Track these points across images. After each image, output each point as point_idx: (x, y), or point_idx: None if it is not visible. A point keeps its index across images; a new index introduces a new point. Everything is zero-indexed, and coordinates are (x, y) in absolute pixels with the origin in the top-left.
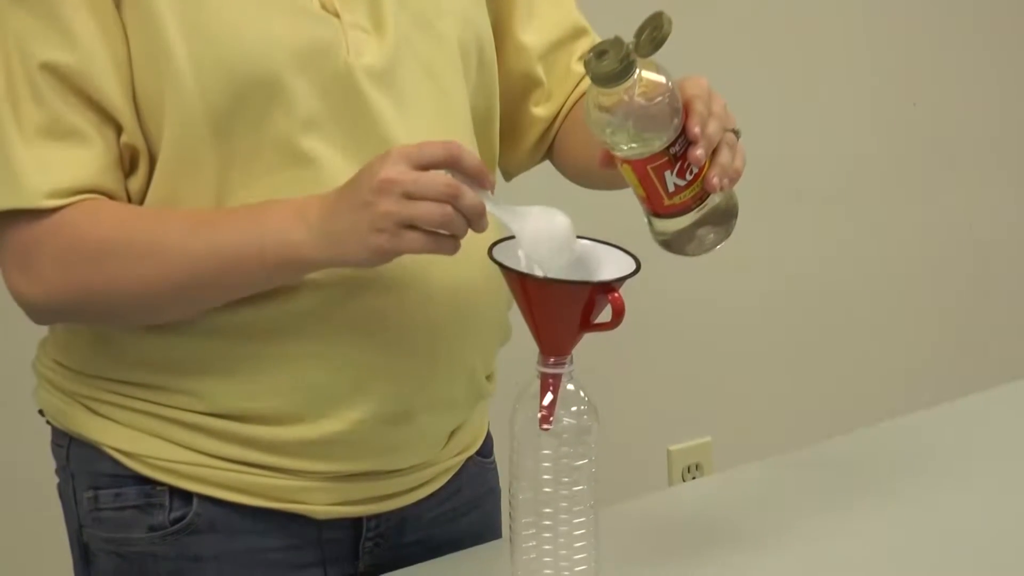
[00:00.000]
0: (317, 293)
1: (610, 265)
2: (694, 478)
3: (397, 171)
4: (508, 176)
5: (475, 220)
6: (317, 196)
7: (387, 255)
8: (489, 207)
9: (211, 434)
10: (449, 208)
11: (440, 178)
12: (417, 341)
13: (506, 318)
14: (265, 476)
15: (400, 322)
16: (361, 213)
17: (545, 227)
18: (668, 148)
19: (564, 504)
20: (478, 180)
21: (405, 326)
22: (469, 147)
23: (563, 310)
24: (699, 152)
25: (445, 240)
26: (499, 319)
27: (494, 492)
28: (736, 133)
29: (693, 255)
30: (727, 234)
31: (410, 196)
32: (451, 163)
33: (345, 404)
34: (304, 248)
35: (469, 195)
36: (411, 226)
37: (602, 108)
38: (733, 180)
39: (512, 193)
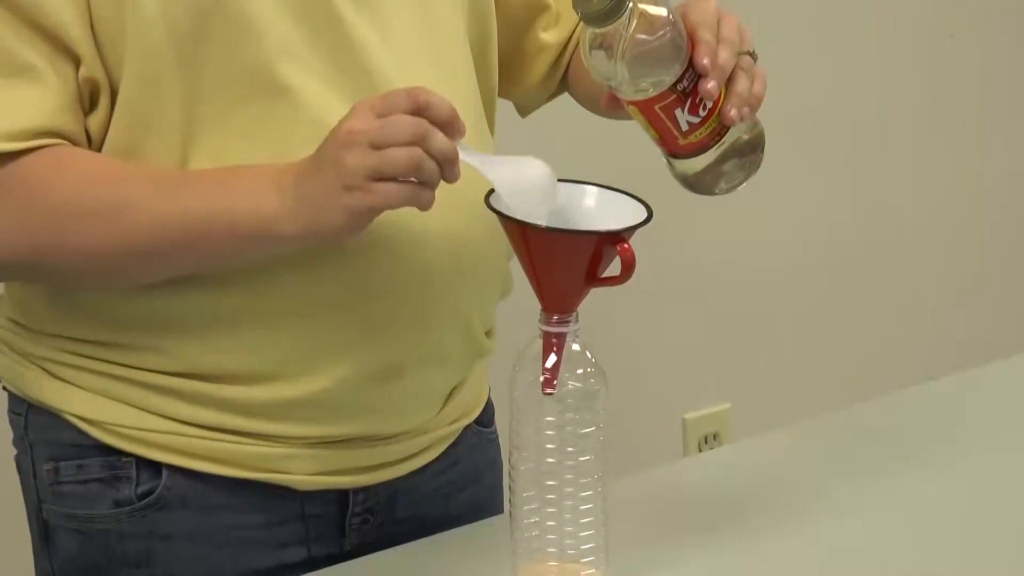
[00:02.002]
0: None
1: (619, 213)
2: (711, 448)
3: (361, 121)
4: (524, 112)
5: (447, 165)
6: (295, 163)
7: (363, 216)
8: (462, 154)
9: (182, 397)
10: (418, 150)
11: (405, 119)
12: (407, 290)
13: (506, 268)
14: (242, 443)
15: (388, 270)
16: (329, 173)
17: (521, 177)
18: (676, 85)
19: (569, 476)
20: (449, 127)
21: (394, 274)
22: (464, 77)
23: (567, 263)
24: (710, 85)
25: (420, 189)
26: (498, 269)
27: (495, 465)
28: (752, 56)
29: (722, 193)
30: (755, 167)
31: (376, 145)
32: (418, 110)
33: (328, 359)
34: (278, 222)
35: (438, 137)
36: (383, 178)
37: (598, 49)
38: (753, 108)
39: (527, 131)
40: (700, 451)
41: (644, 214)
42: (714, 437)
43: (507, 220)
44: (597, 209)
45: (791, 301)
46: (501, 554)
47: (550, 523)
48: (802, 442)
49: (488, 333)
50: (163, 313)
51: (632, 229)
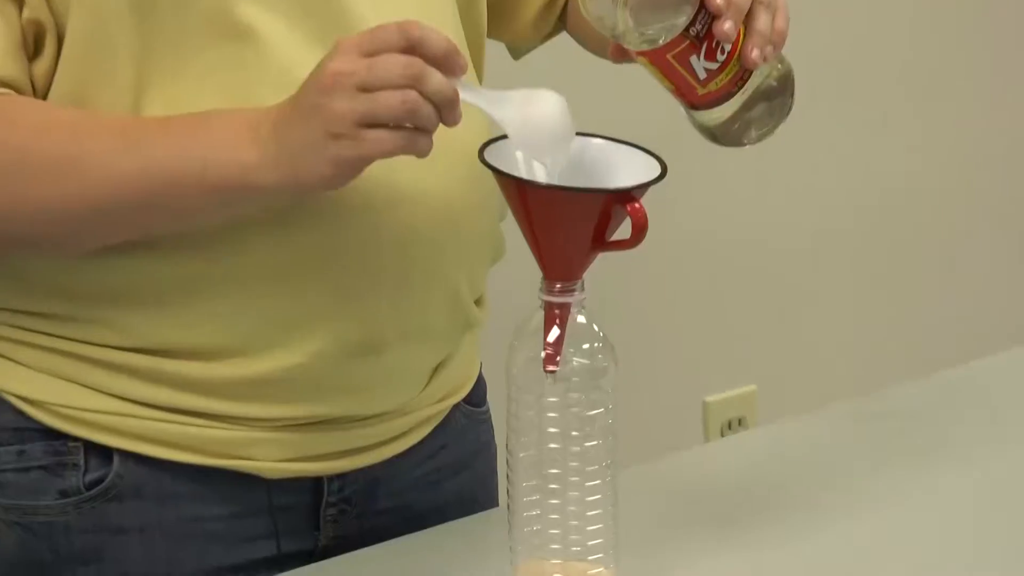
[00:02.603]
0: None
1: (630, 169)
2: (735, 434)
3: (347, 62)
4: (516, 55)
5: (446, 107)
6: (274, 107)
7: (351, 166)
8: (463, 94)
9: (135, 375)
10: (413, 93)
11: (397, 59)
12: (386, 253)
13: (498, 229)
14: (202, 426)
15: (364, 231)
16: (313, 120)
17: (535, 112)
18: (688, 29)
19: (574, 464)
20: (447, 65)
21: (370, 236)
22: (449, 16)
23: (572, 224)
24: (727, 26)
25: (416, 135)
26: (488, 229)
27: (488, 449)
28: None
29: (751, 143)
30: (786, 111)
31: (366, 88)
32: (411, 47)
33: (299, 332)
34: (256, 171)
35: (435, 76)
36: (373, 124)
37: None
38: (778, 46)
39: (519, 76)
40: (723, 437)
41: (657, 170)
42: (739, 422)
43: (503, 176)
44: (605, 164)
45: (824, 273)
46: (497, 552)
47: (553, 517)
48: (835, 427)
49: (478, 302)
50: (113, 282)
51: (644, 187)
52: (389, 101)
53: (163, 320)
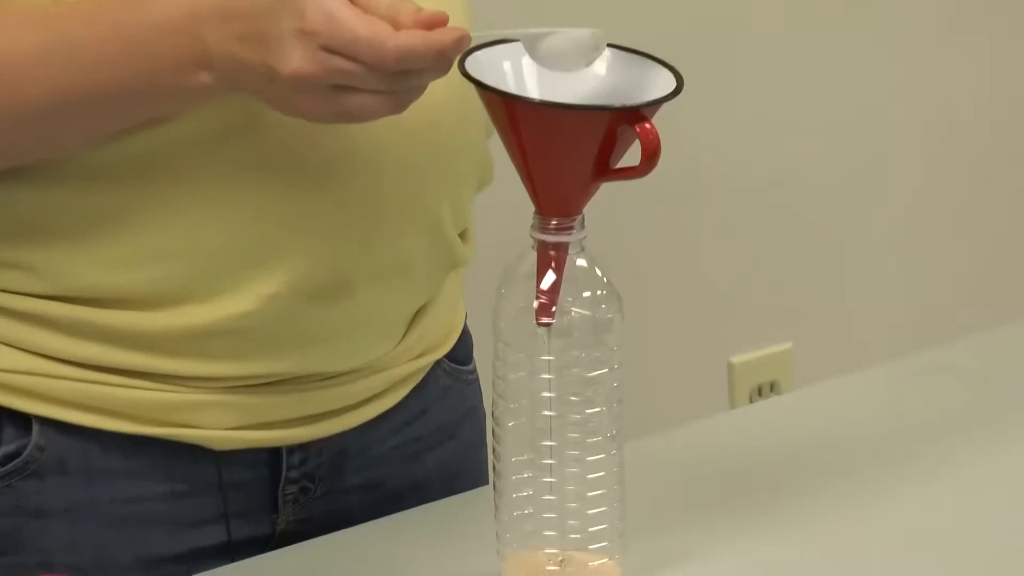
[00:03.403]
0: (212, 113)
1: (639, 83)
2: (766, 400)
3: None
4: None
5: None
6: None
7: (323, 122)
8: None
9: (56, 327)
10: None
11: (384, 50)
12: (355, 178)
13: (484, 148)
14: (137, 388)
15: (326, 149)
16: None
17: (559, 34)
18: None
19: (574, 435)
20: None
21: (336, 157)
22: None
23: (570, 149)
24: None
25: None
26: (473, 149)
27: (476, 416)
28: None
29: None
30: None
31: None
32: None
33: (251, 273)
34: (207, 91)
35: (427, 76)
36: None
37: None
38: None
39: None
40: (752, 403)
41: (672, 84)
42: (771, 387)
43: (488, 91)
44: (610, 77)
45: (873, 213)
46: (487, 537)
47: (547, 499)
48: (883, 390)
49: (463, 236)
50: (24, 215)
51: (656, 104)
52: (369, 86)
53: (86, 260)
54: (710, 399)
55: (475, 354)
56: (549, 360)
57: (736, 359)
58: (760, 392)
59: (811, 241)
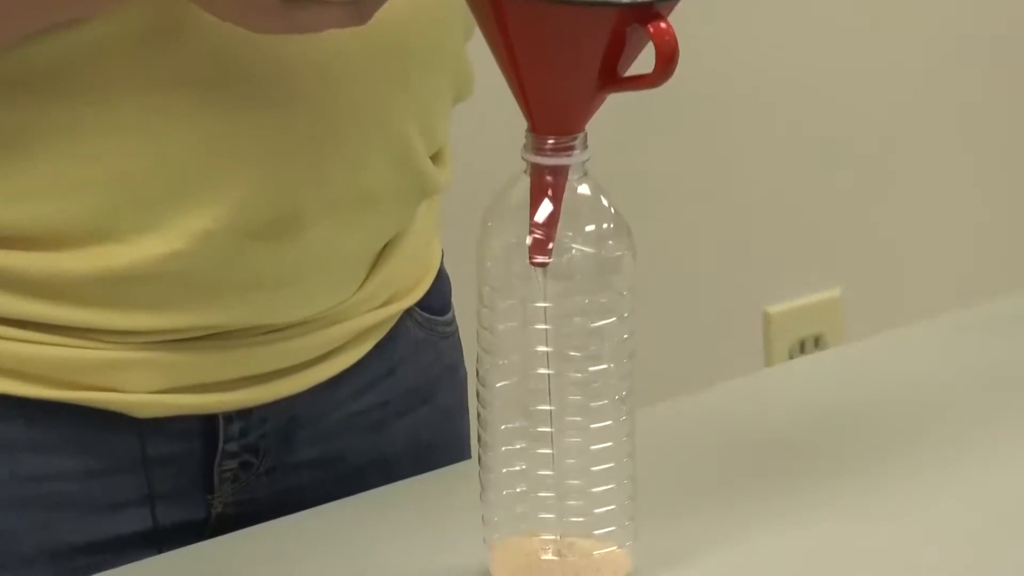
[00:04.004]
0: (132, 14)
1: None
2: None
3: None
4: None
5: None
6: None
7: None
8: None
9: None
10: None
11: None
12: (303, 91)
13: (462, 54)
14: (42, 343)
15: (273, 60)
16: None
17: None
18: None
19: (575, 398)
20: None
21: (281, 67)
22: None
23: (571, 53)
24: None
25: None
26: (448, 54)
27: (455, 376)
28: None
29: None
30: None
31: None
32: None
33: (180, 206)
34: None
35: None
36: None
37: None
38: None
39: None
40: (792, 360)
41: None
42: (815, 341)
43: None
44: None
45: (934, 138)
46: (467, 523)
47: (542, 473)
48: (945, 347)
49: (437, 158)
50: None
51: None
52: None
53: None
54: (742, 356)
55: (454, 302)
56: (545, 307)
57: (773, 309)
58: (802, 348)
59: (863, 170)
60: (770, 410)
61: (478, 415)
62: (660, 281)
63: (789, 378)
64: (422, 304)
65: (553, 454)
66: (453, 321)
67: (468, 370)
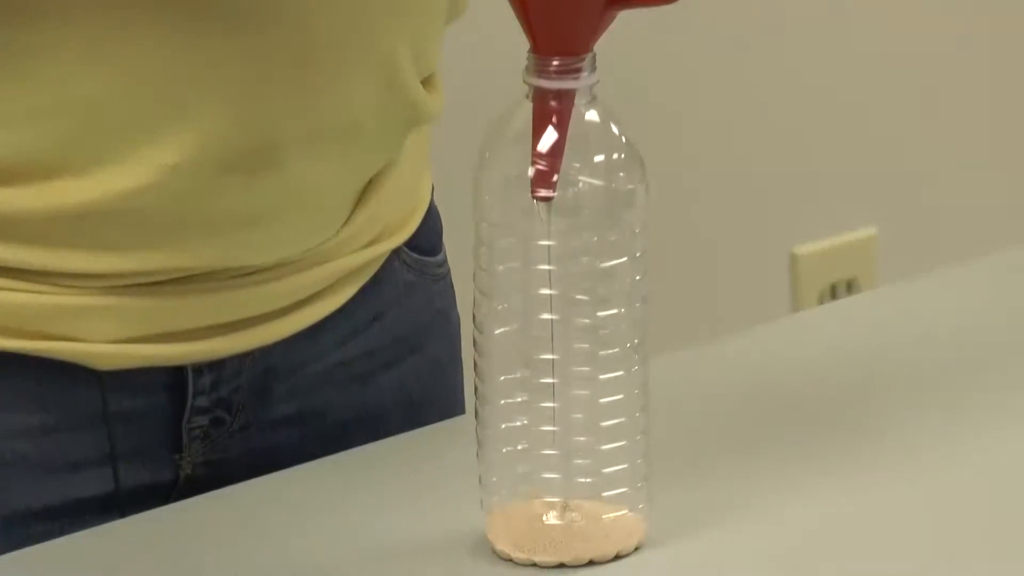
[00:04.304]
0: None
1: None
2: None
3: None
4: None
5: None
6: None
7: None
8: None
9: None
10: None
11: None
12: (282, 11)
13: None
14: None
15: None
16: None
17: None
18: None
19: (583, 346)
20: None
21: None
22: None
23: None
24: None
25: None
26: None
27: (447, 323)
28: None
29: None
30: None
31: None
32: None
33: (146, 137)
34: None
35: None
36: None
37: None
38: None
39: None
40: (822, 305)
41: None
42: (847, 286)
43: None
44: None
45: (979, 68)
46: (462, 484)
47: (547, 430)
48: (988, 291)
49: (428, 84)
50: None
51: None
52: None
53: None
54: (767, 302)
55: (446, 241)
56: (549, 246)
57: (801, 250)
58: (833, 293)
59: (900, 99)
60: (798, 360)
61: (474, 365)
62: (676, 218)
63: (819, 325)
64: (411, 244)
65: (557, 408)
66: (445, 263)
67: (462, 316)
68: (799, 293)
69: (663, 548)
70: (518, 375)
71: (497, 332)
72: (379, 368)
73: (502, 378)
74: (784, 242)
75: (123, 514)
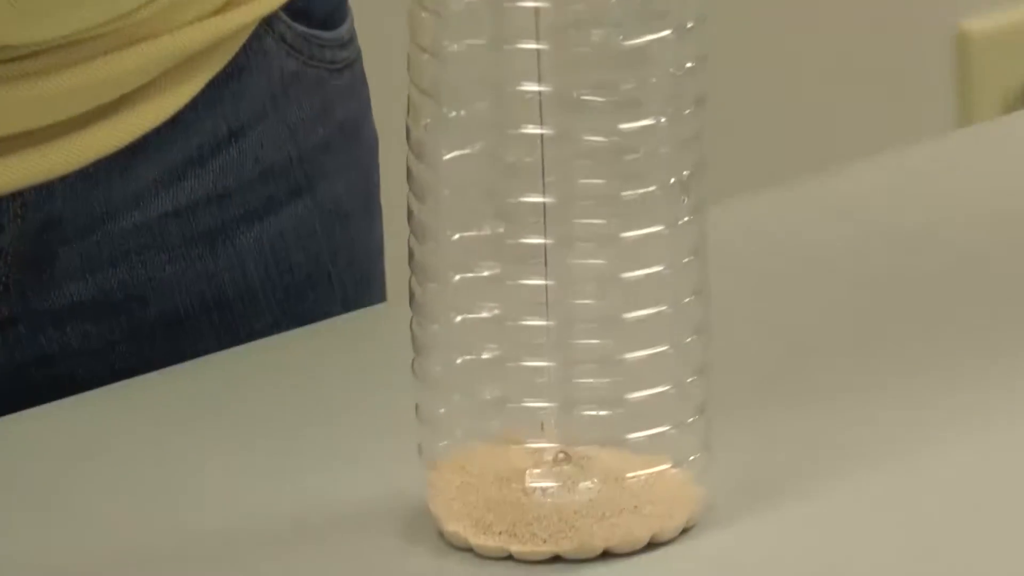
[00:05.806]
0: None
1: None
2: None
3: None
4: None
5: None
6: None
7: None
8: None
9: None
10: None
11: None
12: None
13: None
14: None
15: None
16: None
17: None
18: None
19: (592, 181)
20: None
21: None
22: None
23: None
24: None
25: None
26: None
27: (357, 144)
28: None
29: None
30: None
31: None
32: None
33: None
34: None
35: None
36: None
37: None
38: None
39: None
40: (1004, 117)
41: None
42: None
43: None
44: None
45: None
46: (389, 421)
47: (532, 324)
48: None
49: None
50: None
51: None
52: None
53: None
54: (924, 104)
55: (356, 9)
56: (537, 8)
57: (971, 24)
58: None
59: None
60: (965, 202)
61: (408, 215)
62: None
63: (998, 146)
64: (293, 8)
65: (552, 287)
66: (353, 41)
67: (385, 135)
68: (971, 95)
69: (728, 528)
70: (487, 232)
71: (447, 157)
72: (237, 221)
73: (456, 236)
74: (950, 14)
75: None
